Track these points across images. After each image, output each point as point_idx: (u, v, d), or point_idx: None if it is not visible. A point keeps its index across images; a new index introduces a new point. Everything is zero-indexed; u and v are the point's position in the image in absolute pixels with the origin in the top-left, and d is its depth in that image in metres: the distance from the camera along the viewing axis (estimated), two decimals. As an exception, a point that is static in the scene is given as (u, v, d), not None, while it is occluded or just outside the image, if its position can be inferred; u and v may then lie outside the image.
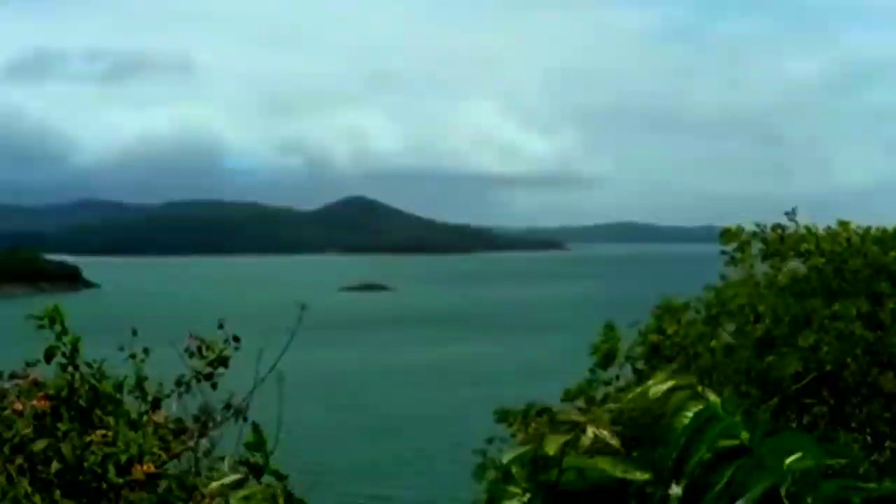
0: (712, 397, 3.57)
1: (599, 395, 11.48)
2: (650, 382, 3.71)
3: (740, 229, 14.90)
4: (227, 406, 7.49)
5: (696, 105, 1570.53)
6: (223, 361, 7.47)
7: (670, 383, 3.64)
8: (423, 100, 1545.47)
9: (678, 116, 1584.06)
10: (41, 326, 7.08)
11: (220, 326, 7.46)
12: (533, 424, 10.25)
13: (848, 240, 13.59)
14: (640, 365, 11.78)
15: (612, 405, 3.84)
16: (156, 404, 7.32)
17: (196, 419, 7.36)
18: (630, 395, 3.78)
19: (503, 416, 12.68)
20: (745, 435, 3.42)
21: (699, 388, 3.59)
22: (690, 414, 3.52)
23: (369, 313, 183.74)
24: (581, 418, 3.70)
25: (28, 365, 7.24)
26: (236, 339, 7.45)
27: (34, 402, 6.97)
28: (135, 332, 7.27)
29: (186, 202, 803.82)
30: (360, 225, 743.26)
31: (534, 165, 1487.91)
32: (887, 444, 13.18)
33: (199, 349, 7.46)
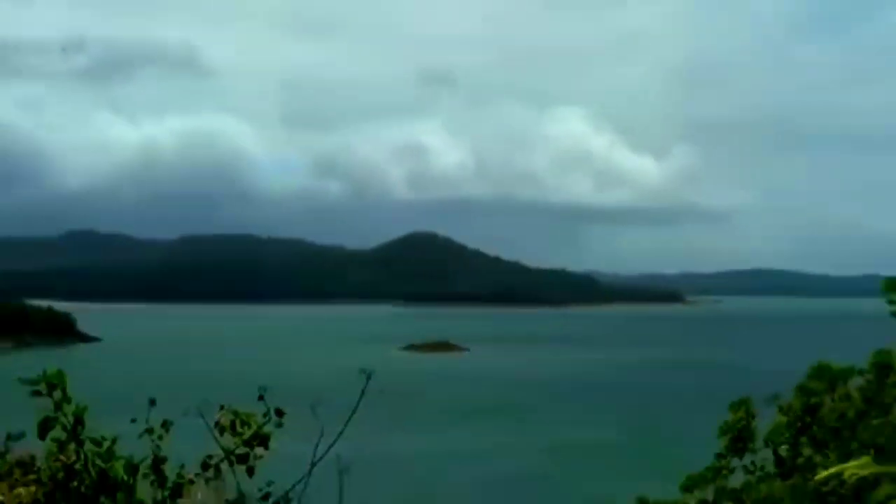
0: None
1: (732, 484, 9.27)
2: (851, 463, 3.51)
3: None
4: (266, 497, 5.87)
5: (854, 115, 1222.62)
6: (263, 440, 5.84)
7: (874, 468, 3.45)
8: (494, 109, 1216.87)
9: (828, 131, 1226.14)
10: (36, 393, 5.50)
11: (261, 397, 5.80)
12: None
13: None
14: (783, 451, 9.50)
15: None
16: (177, 492, 5.71)
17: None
18: (820, 475, 3.85)
19: None
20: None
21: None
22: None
23: (432, 381, 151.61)
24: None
25: (10, 438, 5.68)
26: (279, 412, 5.77)
27: (19, 490, 5.43)
28: (153, 402, 5.68)
29: (206, 237, 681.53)
30: (425, 269, 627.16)
31: (638, 195, 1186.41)
32: None
33: (233, 424, 5.84)
